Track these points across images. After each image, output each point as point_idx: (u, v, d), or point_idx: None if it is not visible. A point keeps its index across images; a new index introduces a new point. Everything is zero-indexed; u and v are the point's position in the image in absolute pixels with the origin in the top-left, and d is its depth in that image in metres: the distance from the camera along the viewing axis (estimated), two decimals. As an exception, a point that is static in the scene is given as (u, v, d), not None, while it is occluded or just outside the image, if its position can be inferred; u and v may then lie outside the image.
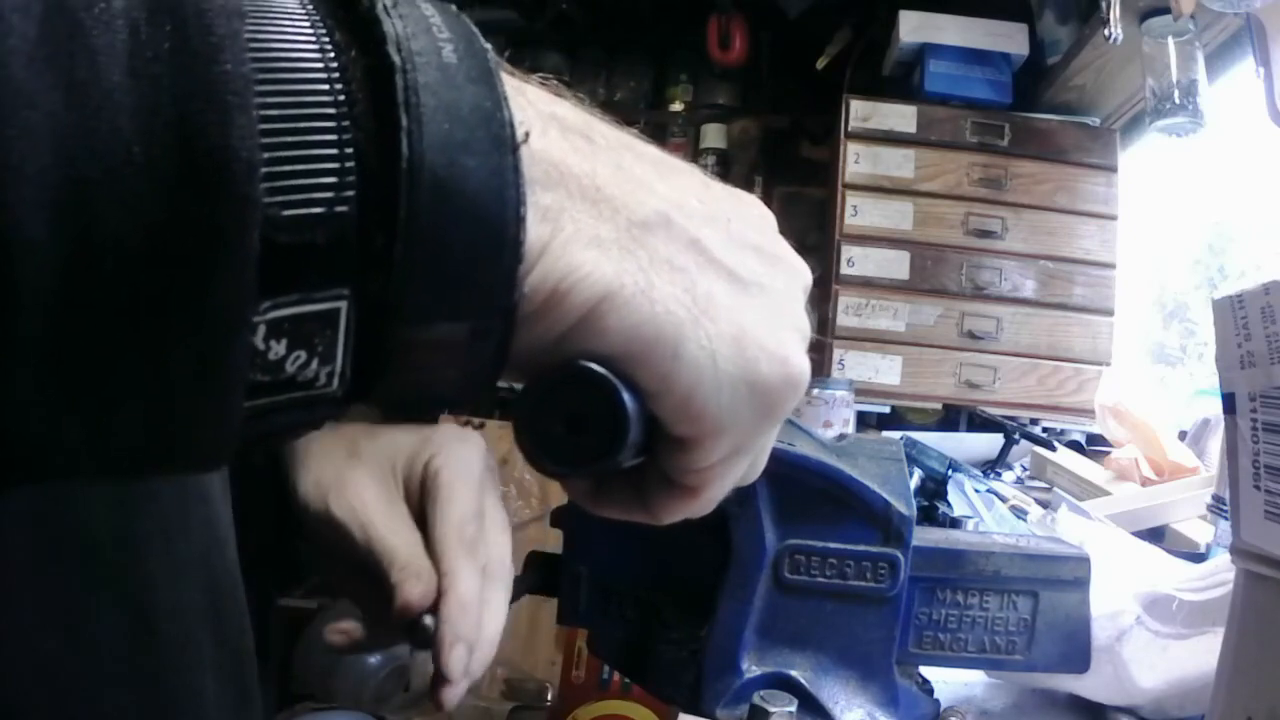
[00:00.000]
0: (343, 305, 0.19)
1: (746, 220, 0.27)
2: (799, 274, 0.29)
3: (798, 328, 0.27)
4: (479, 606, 0.41)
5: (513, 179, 0.20)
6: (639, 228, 0.24)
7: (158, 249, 0.16)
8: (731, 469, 0.27)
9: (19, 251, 0.15)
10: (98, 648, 0.35)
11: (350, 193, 0.18)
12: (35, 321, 0.16)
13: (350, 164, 0.18)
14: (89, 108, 0.16)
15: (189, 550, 0.39)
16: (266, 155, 0.17)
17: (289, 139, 0.18)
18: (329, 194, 0.18)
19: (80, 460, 0.18)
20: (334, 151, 0.18)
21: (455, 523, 0.43)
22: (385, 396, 0.22)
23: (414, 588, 0.39)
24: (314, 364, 0.19)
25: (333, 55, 0.19)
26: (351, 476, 0.45)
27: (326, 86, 0.18)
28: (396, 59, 0.19)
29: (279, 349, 0.19)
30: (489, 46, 0.21)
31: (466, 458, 0.46)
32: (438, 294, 0.20)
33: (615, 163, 0.24)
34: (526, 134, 0.21)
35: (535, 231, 0.22)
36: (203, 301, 0.17)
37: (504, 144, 0.20)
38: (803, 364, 0.27)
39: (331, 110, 0.18)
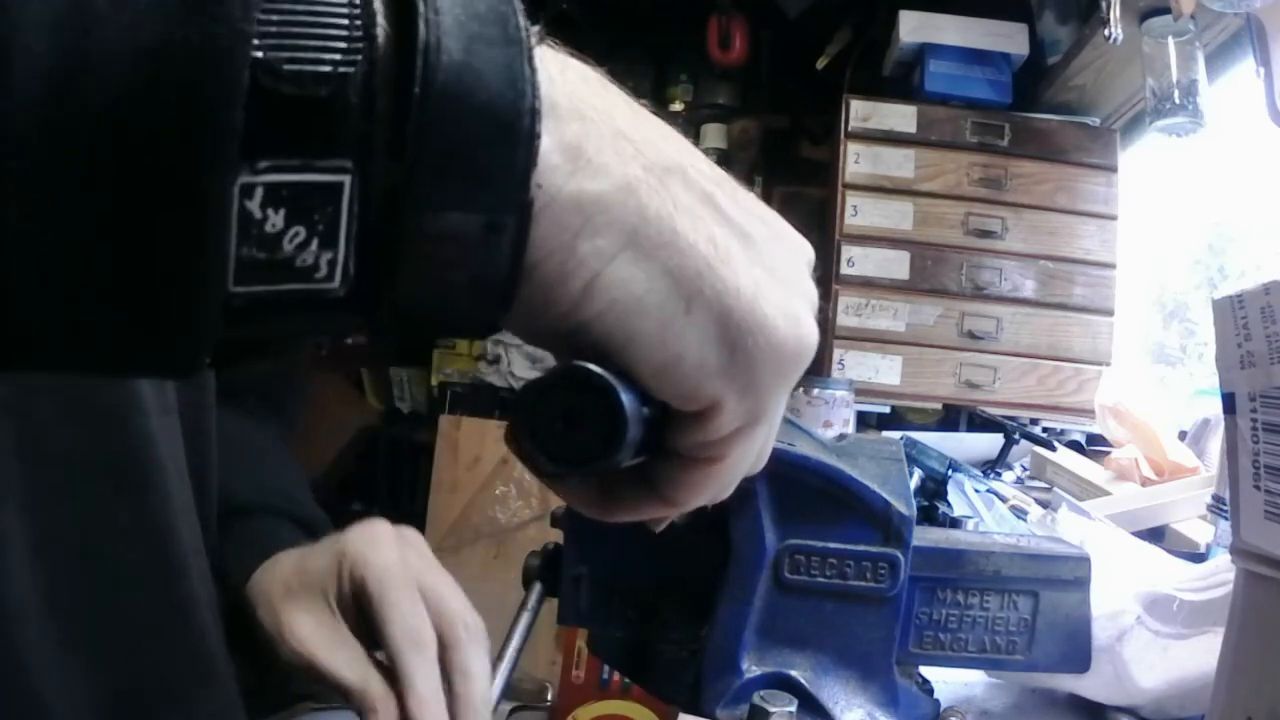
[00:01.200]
0: (346, 180, 0.19)
1: (747, 195, 0.28)
2: (801, 248, 0.29)
3: (805, 294, 0.27)
4: (440, 696, 0.44)
5: (528, 75, 0.21)
6: (661, 170, 0.24)
7: (149, 73, 0.17)
8: (748, 438, 0.27)
9: (18, 58, 0.16)
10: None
11: (358, 57, 0.19)
12: (28, 128, 0.16)
13: (359, 33, 0.19)
14: None
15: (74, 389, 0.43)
16: (275, 17, 0.18)
17: (299, 6, 0.18)
18: (336, 56, 0.19)
19: (63, 341, 0.18)
20: (344, 22, 0.19)
21: (397, 626, 0.45)
22: (393, 304, 0.21)
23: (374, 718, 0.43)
24: (314, 245, 0.19)
25: None
26: (288, 617, 0.48)
27: None
28: None
29: (276, 220, 0.19)
30: None
31: (381, 555, 0.48)
32: (451, 180, 0.20)
33: (631, 112, 0.25)
34: (541, 35, 0.22)
35: (561, 157, 0.22)
36: (188, 128, 0.17)
37: (519, 43, 0.21)
38: (813, 327, 0.27)
39: None
